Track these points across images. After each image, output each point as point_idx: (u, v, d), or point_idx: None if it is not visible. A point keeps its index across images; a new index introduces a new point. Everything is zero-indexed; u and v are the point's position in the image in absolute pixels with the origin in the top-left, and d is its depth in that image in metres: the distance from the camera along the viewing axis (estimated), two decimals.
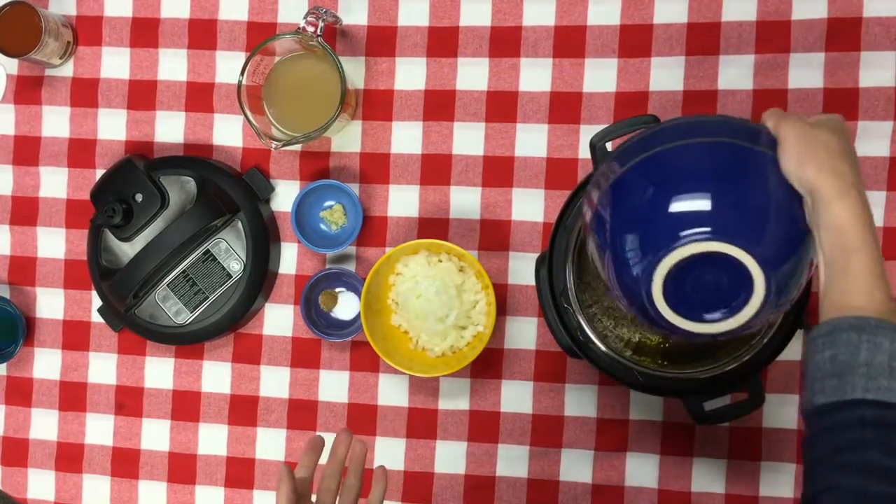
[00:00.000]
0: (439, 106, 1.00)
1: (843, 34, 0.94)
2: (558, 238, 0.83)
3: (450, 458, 1.00)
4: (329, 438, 1.02)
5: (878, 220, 0.94)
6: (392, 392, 1.01)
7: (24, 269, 1.07)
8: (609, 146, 0.83)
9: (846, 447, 0.54)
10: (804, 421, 0.59)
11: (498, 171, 0.99)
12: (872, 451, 0.53)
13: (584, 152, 0.98)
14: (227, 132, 1.04)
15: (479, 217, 1.00)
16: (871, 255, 0.58)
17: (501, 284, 0.99)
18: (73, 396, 1.06)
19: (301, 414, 1.02)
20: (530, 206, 0.99)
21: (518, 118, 0.99)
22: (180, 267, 0.99)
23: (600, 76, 0.98)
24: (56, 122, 1.06)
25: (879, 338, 0.55)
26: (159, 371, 1.05)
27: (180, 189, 0.98)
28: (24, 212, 1.07)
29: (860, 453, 0.53)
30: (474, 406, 1.00)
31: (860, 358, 0.55)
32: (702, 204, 0.62)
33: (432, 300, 0.95)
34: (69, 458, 1.06)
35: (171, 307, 0.99)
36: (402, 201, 1.01)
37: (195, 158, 1.01)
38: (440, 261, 0.97)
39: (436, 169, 1.00)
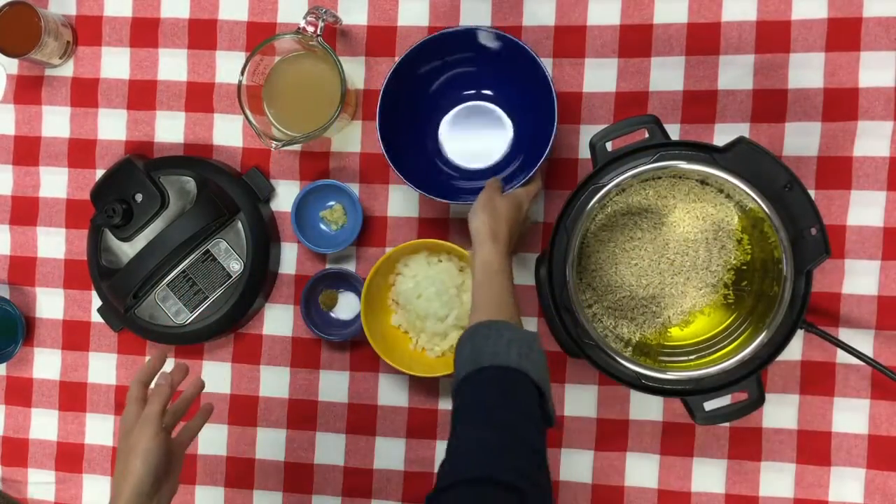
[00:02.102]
0: None
1: (843, 34, 0.94)
2: (558, 238, 0.83)
3: None
4: (329, 439, 1.02)
5: (878, 220, 0.94)
6: (392, 392, 1.01)
7: (24, 269, 1.07)
8: (609, 146, 0.83)
9: (470, 403, 0.68)
10: (452, 394, 0.71)
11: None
12: (482, 409, 0.67)
13: (584, 152, 0.97)
14: (227, 132, 1.04)
15: None
16: (507, 279, 0.79)
17: None
18: (73, 396, 1.06)
19: (301, 414, 1.02)
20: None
21: None
22: (180, 267, 0.99)
23: (600, 76, 0.98)
24: (56, 122, 1.06)
25: (502, 331, 0.72)
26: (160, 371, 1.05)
27: (180, 189, 0.98)
28: (24, 212, 1.07)
29: (476, 410, 0.67)
30: None
31: (490, 342, 0.71)
32: None
33: (433, 300, 0.95)
34: (69, 458, 1.06)
35: (171, 307, 0.99)
36: (402, 201, 1.01)
37: (195, 158, 1.01)
38: (440, 261, 0.97)
39: None
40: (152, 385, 0.80)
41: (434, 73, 0.96)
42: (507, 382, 0.68)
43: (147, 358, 0.89)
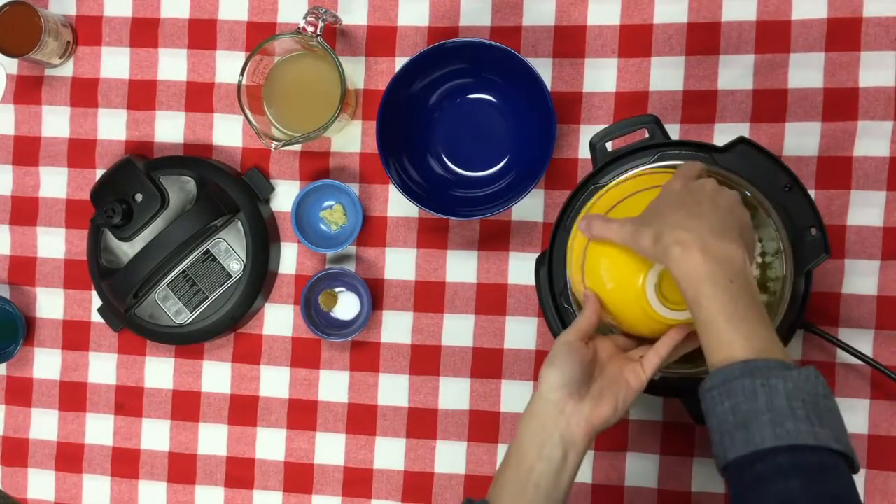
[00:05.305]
0: None
1: (843, 34, 0.94)
2: (558, 238, 0.83)
3: (450, 458, 1.00)
4: (329, 439, 1.02)
5: (878, 220, 0.94)
6: (392, 392, 1.01)
7: (24, 269, 1.07)
8: (609, 146, 0.83)
9: None
10: (722, 476, 0.59)
11: None
12: None
13: (584, 152, 0.98)
14: (227, 132, 1.04)
15: (479, 216, 0.99)
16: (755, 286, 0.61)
17: (501, 284, 0.99)
18: (73, 396, 1.06)
19: (301, 414, 1.02)
20: (530, 207, 0.99)
21: None
22: (180, 267, 0.99)
23: (600, 76, 0.98)
24: (56, 122, 1.06)
25: (772, 380, 0.55)
26: (159, 371, 1.05)
27: (180, 189, 0.98)
28: (24, 212, 1.07)
29: None
30: (474, 406, 1.00)
31: (760, 404, 0.54)
32: None
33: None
34: (69, 458, 1.06)
35: (171, 307, 0.99)
36: (402, 201, 1.01)
37: (195, 158, 1.01)
38: None
39: None
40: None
41: (431, 86, 0.96)
42: (812, 480, 0.52)
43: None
